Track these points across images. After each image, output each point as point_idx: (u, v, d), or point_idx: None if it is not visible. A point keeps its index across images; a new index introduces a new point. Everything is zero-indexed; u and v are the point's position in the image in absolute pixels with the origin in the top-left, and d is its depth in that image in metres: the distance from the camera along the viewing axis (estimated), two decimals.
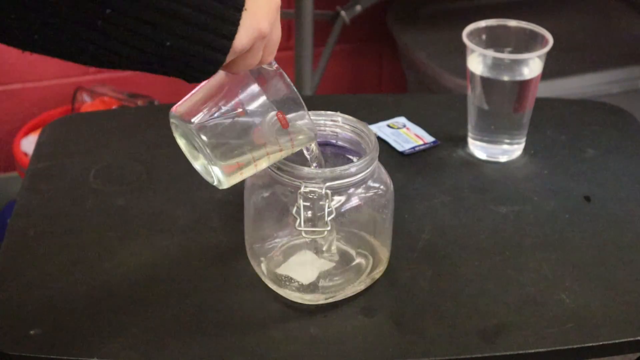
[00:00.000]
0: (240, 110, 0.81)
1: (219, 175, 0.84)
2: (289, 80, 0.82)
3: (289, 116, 0.82)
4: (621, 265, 0.99)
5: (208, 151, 0.82)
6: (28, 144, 1.98)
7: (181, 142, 0.86)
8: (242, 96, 0.81)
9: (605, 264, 0.99)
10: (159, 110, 1.47)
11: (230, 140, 0.82)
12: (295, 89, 0.82)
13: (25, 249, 0.99)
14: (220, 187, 0.86)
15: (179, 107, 0.84)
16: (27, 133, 2.01)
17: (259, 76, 0.82)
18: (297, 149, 0.86)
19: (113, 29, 0.69)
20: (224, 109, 0.82)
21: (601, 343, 0.89)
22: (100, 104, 1.95)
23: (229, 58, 0.75)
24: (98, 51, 0.70)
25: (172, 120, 0.84)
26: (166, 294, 0.93)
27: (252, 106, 0.81)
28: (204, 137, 0.81)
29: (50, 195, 1.07)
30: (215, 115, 0.82)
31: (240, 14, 0.73)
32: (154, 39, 0.70)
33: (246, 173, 0.85)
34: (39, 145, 1.16)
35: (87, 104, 1.98)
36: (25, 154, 1.96)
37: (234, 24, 0.73)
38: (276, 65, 0.82)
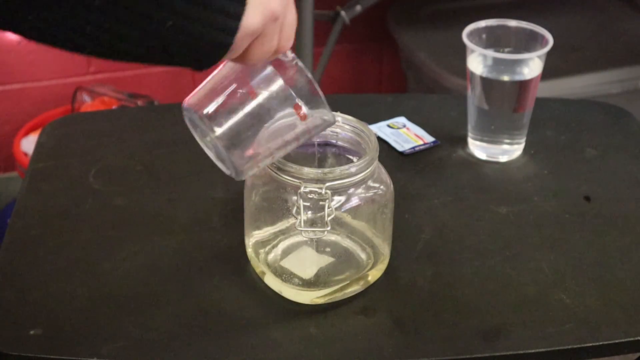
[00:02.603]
0: (256, 101, 0.79)
1: (235, 166, 0.82)
2: (307, 71, 0.80)
3: (306, 109, 0.81)
4: (621, 265, 0.99)
5: (221, 146, 0.80)
6: (28, 144, 1.98)
7: (195, 134, 0.84)
8: (258, 86, 0.79)
9: (605, 264, 0.99)
10: (159, 110, 1.47)
11: (246, 133, 0.81)
12: (314, 80, 0.80)
13: (25, 249, 0.99)
14: (237, 179, 0.84)
15: (191, 99, 0.81)
16: (27, 133, 2.01)
17: (276, 67, 0.79)
18: (314, 135, 0.85)
19: (111, 9, 0.66)
20: (238, 100, 0.79)
21: (601, 343, 0.89)
22: (100, 104, 1.96)
23: (242, 42, 0.71)
24: (96, 34, 0.66)
25: (185, 112, 0.82)
26: (166, 294, 0.93)
27: (270, 97, 0.79)
28: (217, 130, 0.79)
29: (50, 195, 1.07)
30: (229, 106, 0.79)
31: None
32: (154, 18, 0.67)
33: (262, 163, 0.84)
34: (39, 145, 1.16)
35: (87, 104, 1.98)
36: (25, 154, 1.96)
37: (241, 2, 0.70)
38: (292, 56, 0.79)
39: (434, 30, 1.98)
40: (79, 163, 1.12)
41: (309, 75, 0.80)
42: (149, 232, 1.01)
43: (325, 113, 0.82)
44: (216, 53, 0.71)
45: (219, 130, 0.80)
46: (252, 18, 0.71)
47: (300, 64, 0.80)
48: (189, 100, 0.82)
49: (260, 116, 0.80)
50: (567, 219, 1.05)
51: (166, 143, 1.16)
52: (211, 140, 0.81)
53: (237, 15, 0.70)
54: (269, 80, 0.79)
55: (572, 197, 1.09)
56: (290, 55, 0.79)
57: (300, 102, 0.80)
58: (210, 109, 0.80)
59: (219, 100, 0.80)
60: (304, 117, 0.81)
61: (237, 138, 0.81)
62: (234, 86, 0.80)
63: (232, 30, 0.70)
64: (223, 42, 0.71)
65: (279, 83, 0.79)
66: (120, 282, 0.94)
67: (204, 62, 0.72)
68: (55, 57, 1.97)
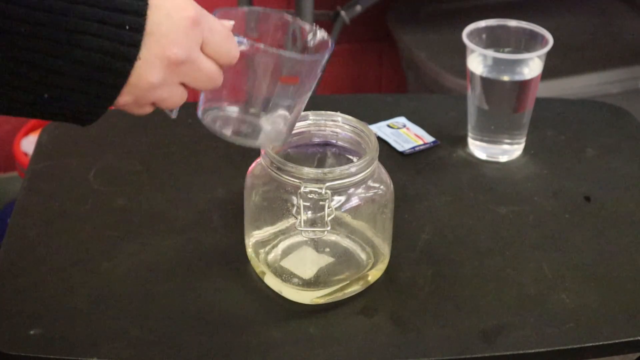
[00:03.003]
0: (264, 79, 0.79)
1: (275, 132, 0.83)
2: (265, 47, 0.78)
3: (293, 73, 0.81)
4: (621, 265, 0.99)
5: (259, 119, 0.81)
6: (28, 144, 1.98)
7: (220, 127, 0.82)
8: (259, 80, 0.79)
9: (605, 264, 0.99)
10: (159, 110, 1.47)
11: (275, 100, 0.81)
12: (273, 49, 0.78)
13: (25, 249, 0.99)
14: (279, 144, 0.86)
15: (207, 101, 0.81)
16: (27, 133, 2.01)
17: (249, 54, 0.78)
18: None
19: None
20: (246, 82, 0.80)
21: (601, 343, 0.89)
22: None
23: (147, 95, 0.72)
24: None
25: (207, 113, 0.82)
26: (166, 294, 0.93)
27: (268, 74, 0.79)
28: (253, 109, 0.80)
29: (50, 195, 1.07)
30: (250, 90, 0.80)
31: (135, 59, 0.69)
32: (30, 91, 0.67)
33: (293, 118, 0.84)
34: (39, 145, 1.16)
35: None
36: (25, 154, 1.96)
37: (122, 74, 0.69)
38: (243, 40, 0.77)
39: (434, 30, 1.97)
40: (79, 163, 1.12)
41: (272, 50, 0.78)
42: (149, 232, 1.01)
43: (300, 60, 0.81)
44: (97, 113, 0.72)
45: (254, 109, 0.80)
46: (147, 75, 0.70)
47: (256, 44, 0.77)
48: (207, 103, 0.81)
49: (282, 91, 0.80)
50: (567, 219, 1.05)
51: (166, 143, 1.16)
52: (246, 117, 0.81)
53: (118, 84, 0.70)
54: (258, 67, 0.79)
55: (572, 197, 1.09)
56: (246, 42, 0.77)
57: (283, 78, 0.80)
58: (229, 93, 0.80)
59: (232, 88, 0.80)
60: (296, 80, 0.80)
61: (271, 108, 0.81)
62: (235, 78, 0.79)
63: (112, 96, 0.70)
64: (103, 106, 0.72)
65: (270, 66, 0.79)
66: (120, 282, 0.94)
67: (86, 121, 0.73)
68: None
